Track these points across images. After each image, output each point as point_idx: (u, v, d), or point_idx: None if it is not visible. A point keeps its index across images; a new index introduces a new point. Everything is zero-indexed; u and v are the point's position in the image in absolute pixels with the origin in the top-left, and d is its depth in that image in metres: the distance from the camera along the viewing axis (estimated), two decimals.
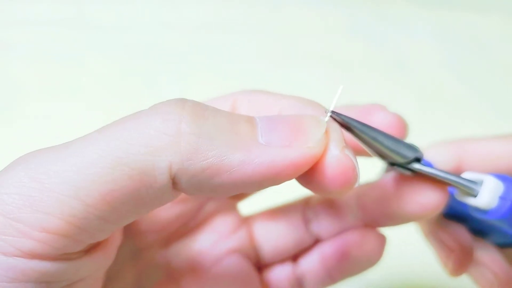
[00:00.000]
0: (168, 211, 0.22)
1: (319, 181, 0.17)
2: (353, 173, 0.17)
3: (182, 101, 0.16)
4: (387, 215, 0.22)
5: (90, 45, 0.53)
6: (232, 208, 0.25)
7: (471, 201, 0.20)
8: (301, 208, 0.25)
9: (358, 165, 0.17)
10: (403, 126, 0.21)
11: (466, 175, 0.21)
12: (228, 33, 0.56)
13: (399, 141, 0.20)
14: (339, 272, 0.23)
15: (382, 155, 0.20)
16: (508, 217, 0.19)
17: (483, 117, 0.51)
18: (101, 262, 0.18)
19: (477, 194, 0.20)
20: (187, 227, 0.24)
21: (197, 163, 0.15)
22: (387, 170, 0.24)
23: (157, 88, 0.50)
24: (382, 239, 0.23)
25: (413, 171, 0.20)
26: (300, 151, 0.16)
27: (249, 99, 0.21)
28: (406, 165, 0.20)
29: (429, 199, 0.21)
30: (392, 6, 0.61)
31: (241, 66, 0.53)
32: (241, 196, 0.25)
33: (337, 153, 0.17)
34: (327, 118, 0.18)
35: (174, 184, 0.16)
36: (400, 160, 0.20)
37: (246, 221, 0.25)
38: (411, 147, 0.20)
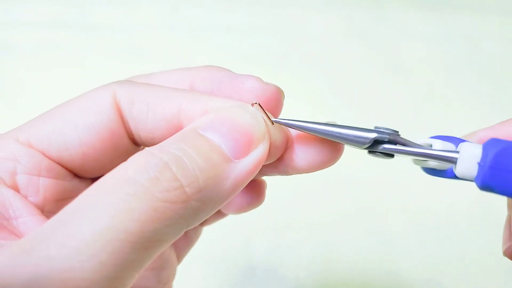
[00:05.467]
0: None
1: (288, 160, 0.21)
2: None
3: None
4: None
5: (91, 45, 0.54)
6: None
7: (454, 171, 0.20)
8: None
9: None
10: (276, 95, 0.22)
11: (436, 145, 0.21)
12: (229, 34, 0.56)
13: (352, 129, 0.20)
14: None
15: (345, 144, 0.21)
16: (490, 182, 0.18)
17: (481, 117, 0.52)
18: None
19: (455, 163, 0.19)
20: None
21: (203, 217, 0.18)
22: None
23: None
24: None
25: (388, 154, 0.20)
26: (264, 147, 0.19)
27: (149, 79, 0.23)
28: (374, 150, 0.20)
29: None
30: (390, 8, 0.61)
31: (242, 66, 0.53)
32: None
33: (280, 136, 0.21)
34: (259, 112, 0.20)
35: None
36: (357, 147, 0.20)
37: None
38: (368, 131, 0.20)
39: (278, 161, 0.21)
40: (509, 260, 0.23)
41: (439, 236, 0.43)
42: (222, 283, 0.38)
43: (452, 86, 0.55)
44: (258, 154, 0.19)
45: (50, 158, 0.20)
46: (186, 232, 0.26)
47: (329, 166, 0.22)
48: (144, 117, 0.20)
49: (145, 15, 0.57)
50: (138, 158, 0.17)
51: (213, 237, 0.40)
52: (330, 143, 0.21)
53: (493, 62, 0.57)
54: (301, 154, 0.22)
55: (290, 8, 0.60)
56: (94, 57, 0.53)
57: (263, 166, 0.20)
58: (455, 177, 0.21)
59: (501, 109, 0.53)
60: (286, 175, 0.23)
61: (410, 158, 0.21)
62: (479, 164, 0.19)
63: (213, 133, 0.19)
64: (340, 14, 0.60)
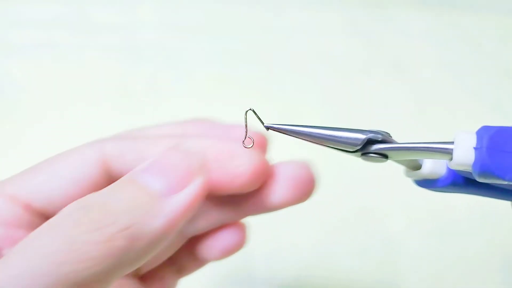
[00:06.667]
0: None
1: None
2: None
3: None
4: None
5: (91, 45, 0.54)
6: None
7: (450, 164, 0.19)
8: None
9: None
10: (263, 142, 0.23)
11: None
12: (230, 34, 0.56)
13: (343, 130, 0.20)
14: None
15: (334, 148, 0.20)
16: (489, 164, 0.18)
17: (480, 117, 0.52)
18: None
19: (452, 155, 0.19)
20: None
21: (140, 255, 0.18)
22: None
23: (157, 88, 0.50)
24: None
25: (383, 154, 0.20)
26: (199, 181, 0.19)
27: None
28: (367, 151, 0.20)
29: None
30: (390, 8, 0.61)
31: (242, 66, 0.53)
32: None
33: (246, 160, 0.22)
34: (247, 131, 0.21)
35: None
36: (349, 148, 0.20)
37: None
38: (361, 132, 0.20)
39: (252, 197, 0.22)
40: (510, 261, 0.23)
41: (439, 237, 0.43)
42: (220, 285, 0.38)
43: (452, 86, 0.55)
44: (192, 188, 0.19)
45: (34, 210, 0.21)
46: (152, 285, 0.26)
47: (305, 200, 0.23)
48: (134, 166, 0.21)
49: (145, 15, 0.57)
50: (70, 204, 0.18)
51: None
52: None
53: (493, 62, 0.57)
54: (278, 188, 0.23)
55: (290, 8, 0.60)
56: (94, 57, 0.53)
57: (231, 205, 0.21)
58: (447, 186, 0.21)
59: (501, 109, 0.53)
60: (258, 214, 0.24)
61: (404, 157, 0.21)
62: (475, 148, 0.18)
63: (144, 174, 0.19)
64: (340, 14, 0.60)
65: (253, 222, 0.41)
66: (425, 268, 0.41)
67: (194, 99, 0.50)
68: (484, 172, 0.18)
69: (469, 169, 0.19)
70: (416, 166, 0.22)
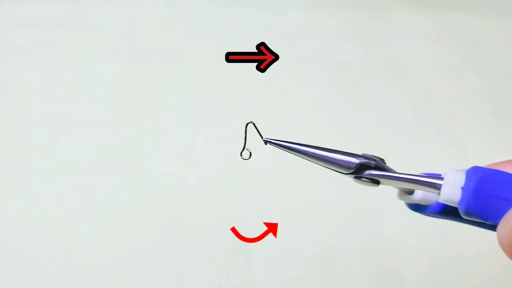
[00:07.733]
0: None
1: None
2: None
3: None
4: None
5: (90, 45, 0.54)
6: None
7: (438, 198, 0.20)
8: None
9: None
10: None
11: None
12: (230, 33, 0.56)
13: (339, 153, 0.21)
14: None
15: (328, 168, 0.21)
16: (473, 205, 0.19)
17: (480, 117, 0.52)
18: None
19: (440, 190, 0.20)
20: None
21: None
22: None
23: (157, 87, 0.50)
24: None
25: (374, 180, 0.21)
26: None
27: None
28: (359, 175, 0.21)
29: None
30: (390, 9, 0.61)
31: (242, 66, 0.53)
32: None
33: None
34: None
35: None
36: (343, 170, 0.21)
37: None
38: (355, 156, 0.21)
39: None
40: (510, 261, 0.23)
41: (439, 236, 0.43)
42: (220, 284, 0.38)
43: (452, 86, 0.55)
44: None
45: None
46: None
47: None
48: None
49: (145, 15, 0.57)
50: None
51: (210, 237, 0.40)
52: None
53: (493, 62, 0.57)
54: None
55: (290, 8, 0.60)
56: (94, 57, 0.53)
57: None
58: (438, 213, 0.22)
59: (501, 109, 0.53)
60: None
61: (395, 185, 0.22)
62: (462, 188, 0.19)
63: None
64: (340, 14, 0.60)
65: (253, 222, 0.41)
66: (425, 268, 0.41)
67: (194, 99, 0.50)
68: (468, 212, 0.19)
69: (455, 205, 0.19)
70: (409, 191, 0.23)
